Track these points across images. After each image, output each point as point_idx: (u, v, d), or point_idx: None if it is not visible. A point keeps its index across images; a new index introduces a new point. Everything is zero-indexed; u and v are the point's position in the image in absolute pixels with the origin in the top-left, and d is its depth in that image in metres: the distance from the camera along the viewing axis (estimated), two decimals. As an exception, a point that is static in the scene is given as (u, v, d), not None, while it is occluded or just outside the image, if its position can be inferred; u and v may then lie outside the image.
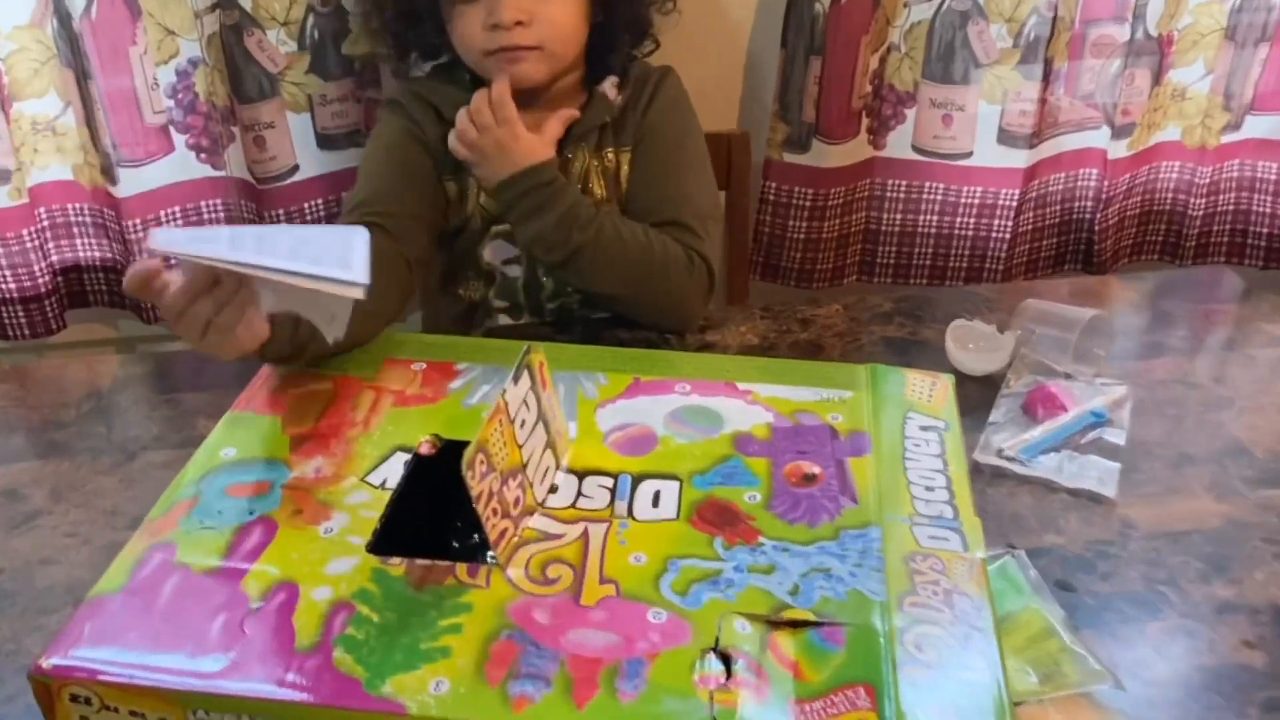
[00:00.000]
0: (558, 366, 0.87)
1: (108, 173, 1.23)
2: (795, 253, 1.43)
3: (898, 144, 1.40)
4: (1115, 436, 0.95)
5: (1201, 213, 1.48)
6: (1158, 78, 1.38)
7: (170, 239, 0.81)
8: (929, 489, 0.75)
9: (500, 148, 1.03)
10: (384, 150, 1.10)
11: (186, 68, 1.20)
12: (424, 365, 0.91)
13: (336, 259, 0.72)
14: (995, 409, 0.98)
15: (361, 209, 1.03)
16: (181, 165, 1.25)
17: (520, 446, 0.72)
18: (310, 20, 1.20)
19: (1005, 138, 1.37)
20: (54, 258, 1.29)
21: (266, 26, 1.19)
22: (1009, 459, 0.93)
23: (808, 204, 1.39)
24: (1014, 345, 1.03)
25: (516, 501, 0.70)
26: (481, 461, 0.66)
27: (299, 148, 1.26)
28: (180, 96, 1.21)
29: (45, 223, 1.27)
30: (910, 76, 1.35)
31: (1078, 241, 1.48)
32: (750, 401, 0.85)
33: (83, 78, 1.18)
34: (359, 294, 0.71)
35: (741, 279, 1.39)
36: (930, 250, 1.46)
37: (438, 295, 1.21)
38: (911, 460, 0.78)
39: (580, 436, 0.81)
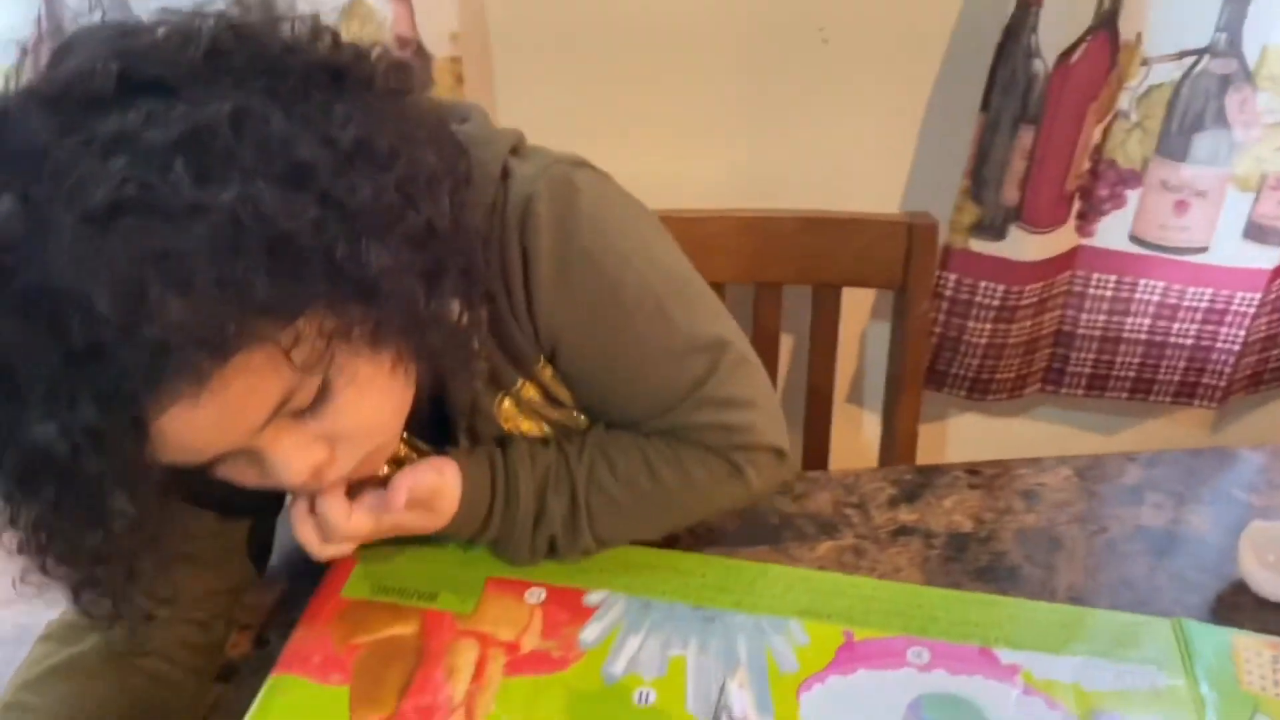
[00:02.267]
0: (720, 596, 0.62)
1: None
2: (972, 359, 1.17)
3: (1111, 232, 1.14)
4: None
5: None
6: None
7: None
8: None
9: (391, 534, 0.67)
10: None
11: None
12: (543, 593, 0.66)
13: None
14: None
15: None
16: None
17: None
18: None
19: (1255, 232, 1.10)
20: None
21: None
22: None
23: (995, 303, 1.13)
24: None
25: None
26: None
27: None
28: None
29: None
30: (1139, 152, 1.08)
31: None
32: (1025, 689, 0.60)
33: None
34: None
35: (914, 396, 1.12)
36: (1136, 360, 1.20)
37: None
38: None
39: (788, 757, 0.56)
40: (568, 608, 0.65)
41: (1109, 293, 1.17)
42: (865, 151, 1.13)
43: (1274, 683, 0.61)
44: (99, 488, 0.48)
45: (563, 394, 0.70)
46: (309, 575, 0.71)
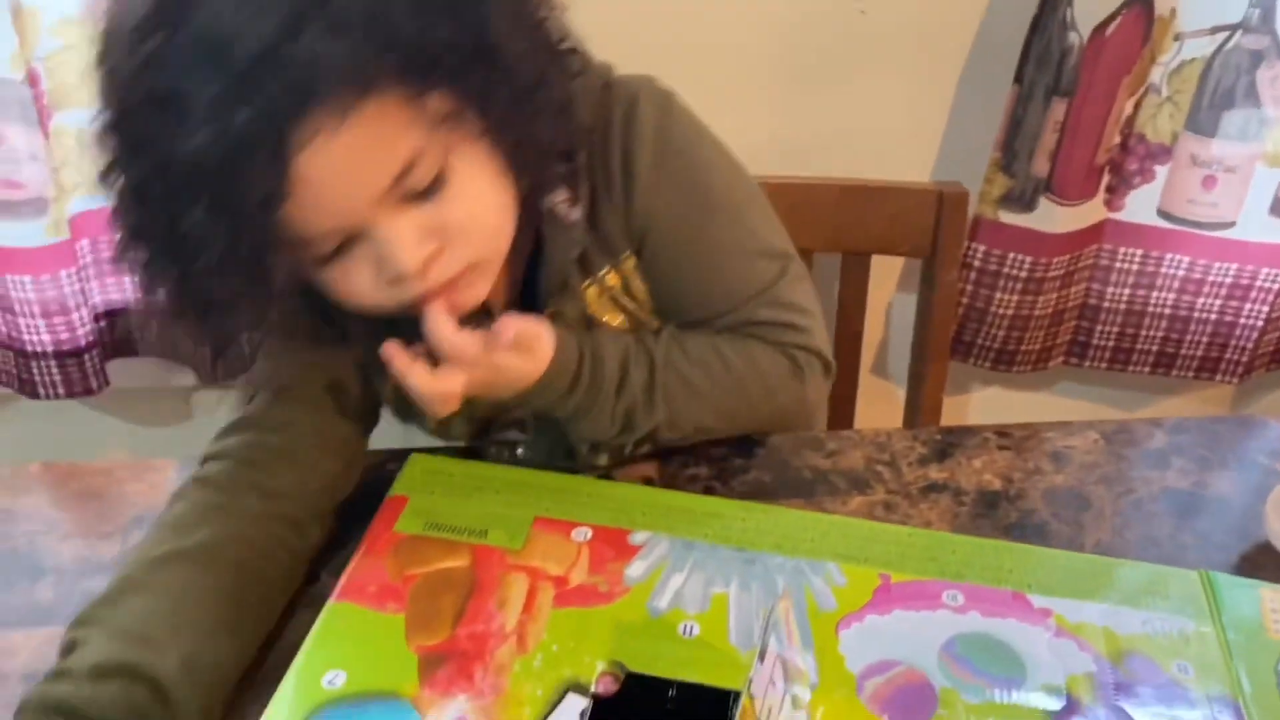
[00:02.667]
0: (760, 540, 0.65)
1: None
2: (998, 330, 1.19)
3: (1139, 206, 1.15)
4: None
5: None
6: None
7: None
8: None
9: (486, 386, 0.69)
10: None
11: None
12: (589, 533, 0.68)
13: None
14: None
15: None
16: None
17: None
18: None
19: (1281, 208, 1.11)
20: (96, 299, 1.07)
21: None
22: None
23: (1023, 274, 1.15)
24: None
25: None
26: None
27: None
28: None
29: (87, 259, 1.05)
30: (1169, 127, 1.10)
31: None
32: (1056, 631, 0.62)
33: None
34: None
35: (940, 367, 1.14)
36: (1160, 334, 1.22)
37: None
38: None
39: (824, 683, 0.58)
40: (614, 546, 0.67)
41: (1135, 266, 1.19)
42: (898, 121, 1.15)
43: (1298, 631, 0.63)
44: (240, 216, 0.55)
45: (639, 289, 0.77)
46: (358, 519, 0.74)
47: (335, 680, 0.58)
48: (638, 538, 0.68)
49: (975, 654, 0.60)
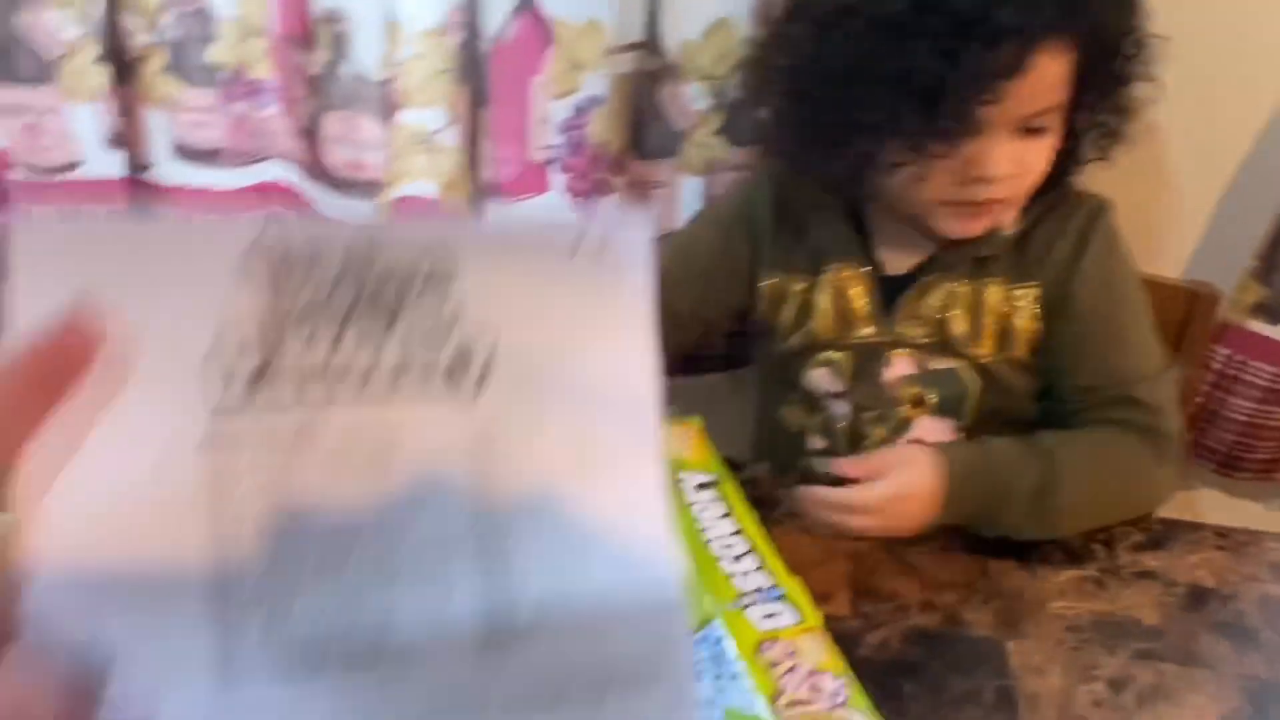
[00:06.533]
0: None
1: (476, 200, 1.15)
2: (1227, 434, 1.20)
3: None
4: None
5: None
6: None
7: None
8: (736, 559, 0.68)
9: (890, 527, 0.85)
10: (704, 225, 1.03)
11: (585, 105, 1.09)
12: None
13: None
14: None
15: None
16: (553, 207, 1.15)
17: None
18: (735, 77, 1.07)
19: None
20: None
21: (685, 79, 1.07)
22: None
23: (1262, 383, 1.16)
24: None
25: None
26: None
27: (684, 213, 1.14)
28: (571, 135, 1.11)
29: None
30: None
31: None
32: None
33: (476, 99, 1.09)
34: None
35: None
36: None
37: (762, 409, 1.09)
38: (708, 531, 0.69)
39: None
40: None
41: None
42: (1159, 213, 1.18)
43: (687, 450, 0.73)
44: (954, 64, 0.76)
45: (1024, 325, 0.94)
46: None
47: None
48: None
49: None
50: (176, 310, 0.30)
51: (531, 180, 1.14)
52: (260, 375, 0.30)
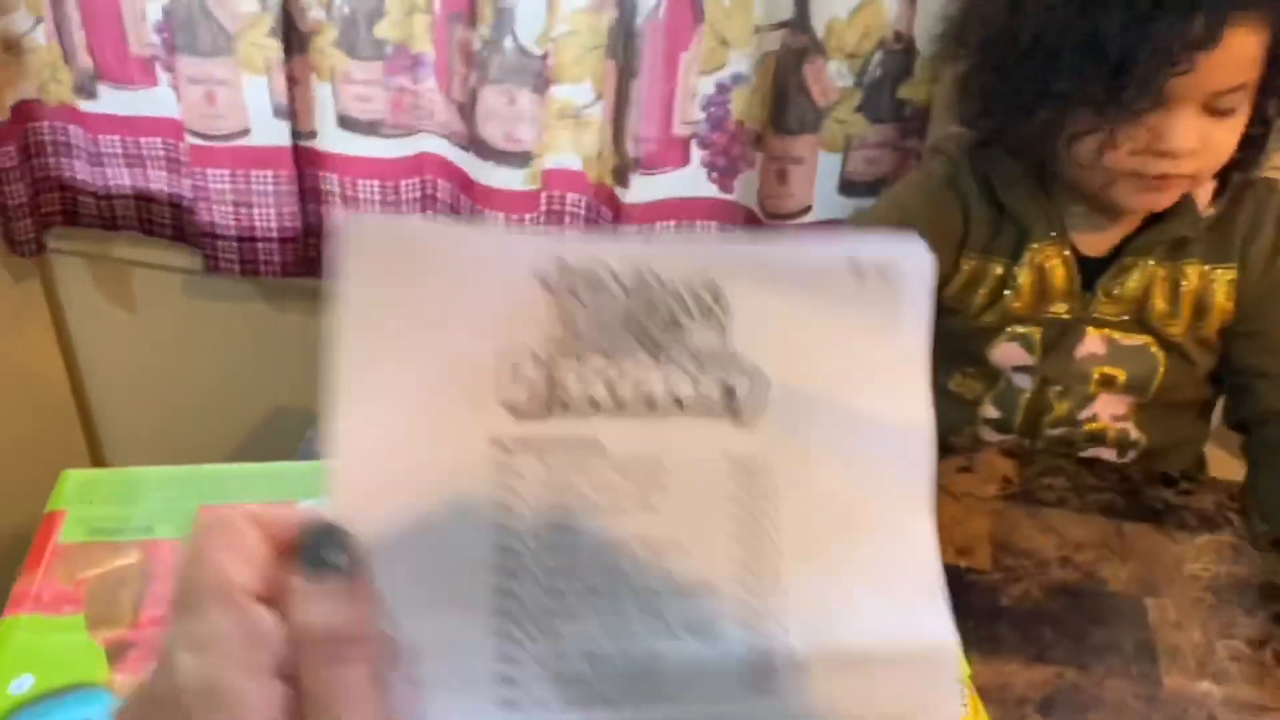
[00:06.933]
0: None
1: (619, 174, 1.20)
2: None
3: None
4: None
5: None
6: None
7: None
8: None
9: None
10: (912, 197, 1.02)
11: (728, 82, 1.13)
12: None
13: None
14: None
15: None
16: (692, 181, 1.20)
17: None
18: (877, 57, 1.10)
19: None
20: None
21: (830, 56, 1.11)
22: None
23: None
24: None
25: None
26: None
27: (820, 189, 1.18)
28: (712, 111, 1.15)
29: (544, 209, 1.26)
30: None
31: None
32: None
33: (626, 74, 1.14)
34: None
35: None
36: None
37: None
38: None
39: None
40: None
41: None
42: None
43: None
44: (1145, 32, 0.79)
45: (1220, 303, 0.96)
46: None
47: (23, 685, 0.59)
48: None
49: None
50: (478, 314, 0.31)
51: (672, 154, 1.18)
52: (551, 386, 0.32)
